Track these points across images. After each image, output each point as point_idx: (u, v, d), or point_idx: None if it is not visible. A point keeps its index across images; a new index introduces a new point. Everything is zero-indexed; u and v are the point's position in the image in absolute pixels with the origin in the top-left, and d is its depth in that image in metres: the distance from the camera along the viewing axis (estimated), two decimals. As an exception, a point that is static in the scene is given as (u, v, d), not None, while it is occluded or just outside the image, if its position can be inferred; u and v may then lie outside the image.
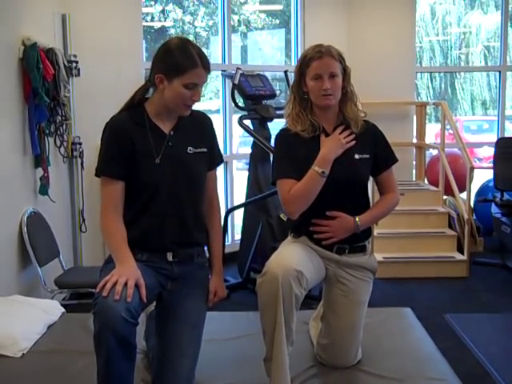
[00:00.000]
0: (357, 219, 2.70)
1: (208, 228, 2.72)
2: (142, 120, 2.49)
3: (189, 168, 2.57)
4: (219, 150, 2.76)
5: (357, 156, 2.73)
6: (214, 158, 2.71)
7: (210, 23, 9.85)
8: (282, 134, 2.81)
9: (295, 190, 2.64)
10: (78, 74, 4.85)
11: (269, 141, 5.08)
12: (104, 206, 2.47)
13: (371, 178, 2.88)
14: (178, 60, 2.42)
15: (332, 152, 2.67)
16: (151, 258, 2.51)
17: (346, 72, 2.73)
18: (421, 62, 13.41)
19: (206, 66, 2.47)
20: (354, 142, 2.72)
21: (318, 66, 2.67)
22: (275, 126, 4.80)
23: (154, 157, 2.48)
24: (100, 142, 2.51)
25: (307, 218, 2.70)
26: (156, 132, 2.51)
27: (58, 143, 4.66)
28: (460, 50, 15.47)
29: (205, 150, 2.62)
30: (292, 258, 2.55)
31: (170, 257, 2.55)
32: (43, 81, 4.16)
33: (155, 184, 2.48)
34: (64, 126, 4.67)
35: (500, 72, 7.56)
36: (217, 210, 2.79)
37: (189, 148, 2.57)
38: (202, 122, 2.67)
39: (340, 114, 2.78)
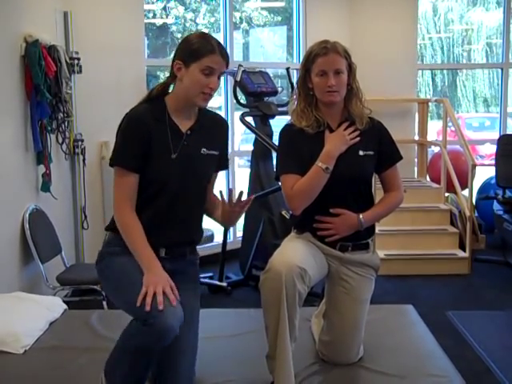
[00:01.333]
0: (360, 217, 2.70)
1: (210, 202, 2.68)
2: (161, 115, 2.49)
3: (200, 168, 2.58)
4: (227, 155, 2.77)
5: (361, 152, 2.72)
6: (222, 162, 2.70)
7: (212, 20, 9.84)
8: (287, 129, 2.81)
9: (299, 185, 2.65)
10: (80, 71, 4.85)
11: (270, 138, 5.09)
12: (119, 198, 2.45)
13: (375, 176, 2.88)
14: (196, 45, 2.45)
15: (336, 148, 2.67)
16: None
17: (351, 68, 2.73)
18: (422, 59, 13.40)
19: (224, 55, 2.50)
20: (358, 138, 2.72)
21: (323, 62, 2.67)
22: (277, 123, 4.80)
23: (169, 153, 2.48)
24: (117, 132, 2.48)
25: (311, 214, 2.70)
26: (174, 130, 2.50)
27: (60, 140, 4.66)
28: (462, 47, 15.47)
29: (216, 152, 2.62)
30: (295, 254, 2.56)
31: (162, 253, 2.53)
32: (45, 77, 4.16)
33: (166, 180, 2.48)
34: (66, 123, 4.66)
35: (502, 69, 7.55)
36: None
37: (203, 149, 2.57)
38: (220, 125, 2.69)
39: (345, 110, 2.77)
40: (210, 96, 2.51)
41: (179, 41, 2.57)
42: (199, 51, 2.44)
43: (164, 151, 2.47)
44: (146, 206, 2.48)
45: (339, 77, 2.67)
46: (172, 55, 2.54)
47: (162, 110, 2.50)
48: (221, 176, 6.80)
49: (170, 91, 2.57)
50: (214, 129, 2.63)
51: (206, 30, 10.43)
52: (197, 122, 2.56)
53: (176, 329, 2.24)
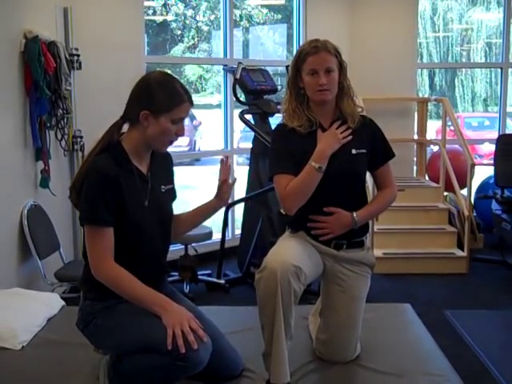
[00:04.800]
0: (354, 215, 2.71)
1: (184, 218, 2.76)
2: (125, 162, 2.42)
3: (165, 207, 2.61)
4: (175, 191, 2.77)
5: (354, 151, 2.73)
6: (175, 193, 2.72)
7: (212, 17, 9.85)
8: (279, 129, 2.81)
9: (292, 185, 2.65)
10: (80, 68, 4.84)
11: (270, 136, 5.08)
12: (99, 255, 2.35)
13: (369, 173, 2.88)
14: (165, 97, 2.38)
15: (329, 147, 2.67)
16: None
17: (342, 67, 2.73)
18: (422, 58, 13.40)
19: (191, 100, 2.46)
20: (350, 136, 2.72)
21: (313, 61, 2.66)
22: (276, 121, 4.80)
23: (141, 201, 2.46)
24: (86, 187, 2.35)
25: (305, 213, 2.70)
26: (139, 174, 2.46)
27: (59, 136, 4.65)
28: (462, 46, 15.47)
29: (171, 186, 2.64)
30: (290, 253, 2.56)
31: None
32: (44, 74, 4.15)
33: (142, 227, 2.45)
34: (65, 120, 4.66)
35: (502, 69, 7.55)
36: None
37: (162, 186, 2.57)
38: (167, 158, 2.67)
39: (337, 109, 2.77)
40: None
41: (138, 84, 2.45)
42: (170, 103, 2.38)
43: (137, 199, 2.43)
44: (123, 255, 2.42)
45: (330, 75, 2.66)
46: (131, 98, 2.45)
47: (124, 156, 2.43)
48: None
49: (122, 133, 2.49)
50: (164, 163, 2.64)
51: (205, 28, 10.42)
52: (151, 161, 2.54)
53: (206, 360, 2.30)
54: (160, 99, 2.38)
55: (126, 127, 2.51)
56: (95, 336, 2.51)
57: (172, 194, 2.67)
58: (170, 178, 2.66)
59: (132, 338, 2.37)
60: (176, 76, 2.58)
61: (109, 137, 2.45)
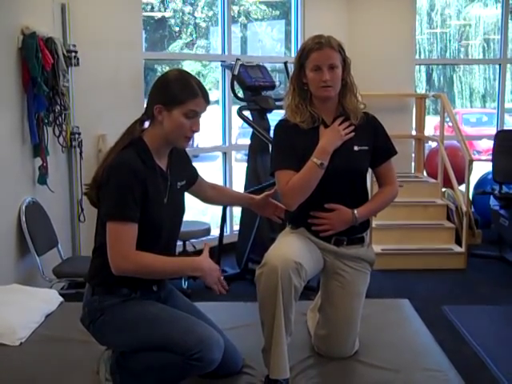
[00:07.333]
0: (355, 212, 2.70)
1: (218, 193, 2.99)
2: (148, 159, 2.43)
3: (181, 204, 2.64)
4: (196, 169, 2.81)
5: (356, 148, 2.72)
6: (194, 180, 2.77)
7: (210, 14, 9.83)
8: (281, 124, 2.80)
9: (293, 181, 2.64)
10: (77, 64, 4.83)
11: (268, 132, 5.08)
12: (126, 250, 2.33)
13: (370, 170, 2.88)
14: (178, 90, 2.39)
15: (331, 143, 2.67)
16: (143, 293, 2.51)
17: (345, 63, 2.72)
18: (420, 55, 13.39)
19: (206, 97, 2.45)
20: (353, 133, 2.71)
21: (317, 57, 2.66)
22: (274, 117, 4.80)
23: (162, 198, 2.47)
24: (114, 183, 2.35)
25: (305, 210, 2.70)
26: (160, 172, 2.48)
27: (57, 133, 4.65)
28: (459, 42, 15.46)
29: (185, 182, 2.65)
30: (291, 249, 2.56)
31: (155, 288, 2.56)
32: (42, 70, 4.15)
33: (160, 224, 2.46)
34: (63, 116, 4.64)
35: (500, 65, 7.55)
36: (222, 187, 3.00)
37: (178, 183, 2.59)
38: (182, 154, 2.67)
39: (339, 105, 2.77)
40: (192, 138, 2.51)
41: (156, 81, 2.48)
42: (182, 96, 2.39)
43: (158, 197, 2.45)
44: (137, 248, 2.41)
45: (334, 71, 2.66)
46: (149, 95, 2.48)
47: (147, 153, 2.44)
48: (219, 169, 6.78)
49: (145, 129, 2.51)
50: (180, 159, 2.64)
51: (203, 24, 10.40)
52: (169, 158, 2.56)
53: (219, 359, 2.35)
54: (172, 92, 2.40)
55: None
56: (102, 333, 2.51)
57: (187, 186, 2.70)
58: (184, 173, 2.66)
59: (146, 337, 2.38)
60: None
61: (131, 133, 2.47)
